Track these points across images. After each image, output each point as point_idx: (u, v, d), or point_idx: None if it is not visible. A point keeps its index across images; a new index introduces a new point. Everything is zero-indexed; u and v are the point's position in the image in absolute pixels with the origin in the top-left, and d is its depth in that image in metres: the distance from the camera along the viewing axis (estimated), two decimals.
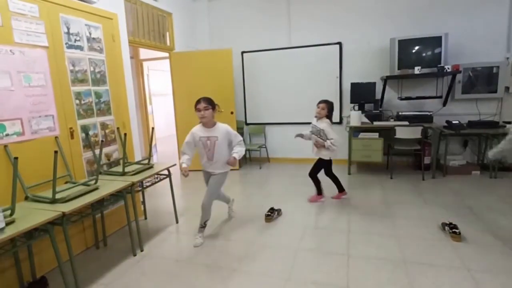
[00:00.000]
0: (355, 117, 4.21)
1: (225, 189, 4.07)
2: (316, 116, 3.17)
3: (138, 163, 2.87)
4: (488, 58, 4.08)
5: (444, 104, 4.30)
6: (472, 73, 4.14)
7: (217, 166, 2.60)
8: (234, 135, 2.63)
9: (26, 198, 2.02)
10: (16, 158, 1.68)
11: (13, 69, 1.99)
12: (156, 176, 2.81)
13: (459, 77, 4.12)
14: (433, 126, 4.02)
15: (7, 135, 1.95)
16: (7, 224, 1.60)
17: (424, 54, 4.09)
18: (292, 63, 4.92)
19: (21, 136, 2.03)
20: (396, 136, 3.96)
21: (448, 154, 4.16)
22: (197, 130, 2.60)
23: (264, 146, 5.19)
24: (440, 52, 3.95)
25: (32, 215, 1.75)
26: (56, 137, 2.27)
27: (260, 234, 2.68)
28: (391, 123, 4.09)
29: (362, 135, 4.18)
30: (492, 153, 2.45)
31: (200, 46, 5.15)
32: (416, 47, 4.10)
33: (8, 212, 1.69)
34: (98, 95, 2.66)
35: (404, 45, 4.08)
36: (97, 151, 2.50)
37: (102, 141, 2.62)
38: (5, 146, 1.93)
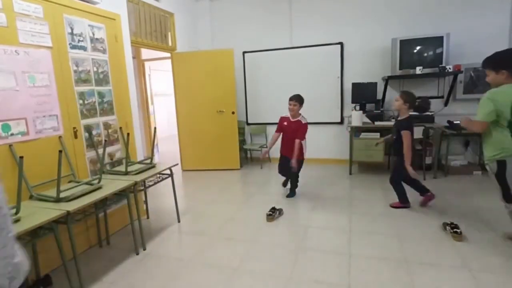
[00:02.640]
0: (357, 117, 4.21)
1: (226, 188, 4.09)
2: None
3: (140, 162, 2.89)
4: None
5: (446, 104, 4.30)
6: (473, 73, 4.14)
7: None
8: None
9: (31, 197, 2.03)
10: (21, 158, 1.70)
11: (18, 70, 2.01)
12: (158, 175, 2.83)
13: (460, 77, 4.12)
14: (434, 126, 4.03)
15: (12, 134, 1.97)
16: (12, 222, 1.62)
17: (425, 54, 4.09)
18: (293, 63, 4.93)
19: (25, 136, 2.06)
20: None
21: (449, 154, 4.16)
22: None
23: (265, 146, 5.18)
24: (442, 52, 3.95)
25: (37, 214, 1.77)
26: (60, 137, 2.29)
27: (262, 234, 2.69)
28: (393, 123, 4.08)
29: (363, 135, 4.18)
30: None
31: (202, 46, 5.17)
32: (418, 47, 4.11)
33: (13, 210, 1.70)
34: (101, 95, 2.68)
35: (406, 45, 4.08)
36: (100, 151, 2.51)
37: (105, 140, 2.64)
38: (10, 145, 1.95)
